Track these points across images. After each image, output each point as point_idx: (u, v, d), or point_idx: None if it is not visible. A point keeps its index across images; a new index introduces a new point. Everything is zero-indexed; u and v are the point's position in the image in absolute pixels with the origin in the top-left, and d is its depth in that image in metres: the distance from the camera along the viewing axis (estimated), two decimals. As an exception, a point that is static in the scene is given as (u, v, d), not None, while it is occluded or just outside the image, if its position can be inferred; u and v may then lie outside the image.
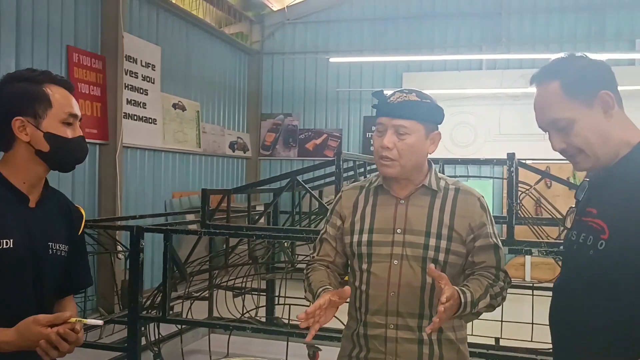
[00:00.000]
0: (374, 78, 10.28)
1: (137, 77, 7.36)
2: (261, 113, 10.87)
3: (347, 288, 1.71)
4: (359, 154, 3.83)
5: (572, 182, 4.88)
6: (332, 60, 9.39)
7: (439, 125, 1.88)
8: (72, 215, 1.85)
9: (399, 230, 1.81)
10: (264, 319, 5.17)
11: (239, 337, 4.35)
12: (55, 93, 1.68)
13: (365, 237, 1.84)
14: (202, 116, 9.12)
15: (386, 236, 1.82)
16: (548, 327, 1.62)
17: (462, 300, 1.63)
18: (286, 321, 4.88)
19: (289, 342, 5.08)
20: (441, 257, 1.79)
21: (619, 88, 1.40)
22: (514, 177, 2.91)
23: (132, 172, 7.35)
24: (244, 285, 4.92)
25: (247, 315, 4.82)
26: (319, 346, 4.93)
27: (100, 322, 1.69)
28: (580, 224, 1.52)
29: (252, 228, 3.31)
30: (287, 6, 10.05)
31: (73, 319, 1.55)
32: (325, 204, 3.71)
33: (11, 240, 1.62)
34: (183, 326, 4.27)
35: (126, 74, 7.02)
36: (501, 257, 1.85)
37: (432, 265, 1.63)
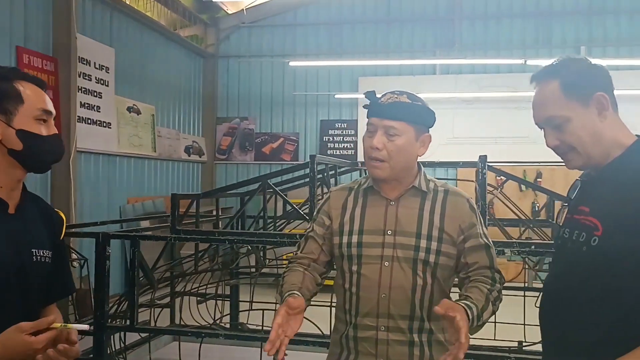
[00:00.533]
0: (330, 82, 10.34)
1: (90, 80, 7.15)
2: (217, 117, 10.75)
3: (298, 300, 1.66)
4: (332, 157, 3.83)
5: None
6: (291, 64, 9.39)
7: (429, 128, 1.89)
8: (53, 219, 1.79)
9: (389, 232, 1.80)
10: (228, 325, 5.12)
11: (201, 345, 4.27)
12: (26, 89, 1.60)
13: (355, 239, 1.83)
14: (157, 120, 8.94)
15: (376, 237, 1.81)
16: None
17: (470, 317, 1.61)
18: (251, 327, 4.85)
19: (253, 348, 5.06)
20: (432, 258, 1.78)
21: None
22: (485, 178, 2.97)
23: (87, 178, 7.13)
24: (207, 292, 4.86)
25: (213, 322, 4.76)
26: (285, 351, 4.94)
27: (86, 327, 1.61)
28: (572, 222, 1.56)
29: (224, 233, 3.25)
30: (245, 8, 9.97)
31: (57, 324, 1.48)
32: (299, 208, 3.70)
33: None
34: (150, 334, 4.14)
35: (79, 77, 6.80)
36: (493, 256, 1.85)
37: (437, 308, 1.56)
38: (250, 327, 4.90)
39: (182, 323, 5.02)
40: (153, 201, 8.60)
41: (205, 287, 4.82)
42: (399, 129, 1.77)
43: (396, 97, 1.78)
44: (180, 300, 5.03)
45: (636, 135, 1.56)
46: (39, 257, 1.65)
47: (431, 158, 10.22)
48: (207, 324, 4.58)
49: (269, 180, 3.45)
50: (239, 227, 4.62)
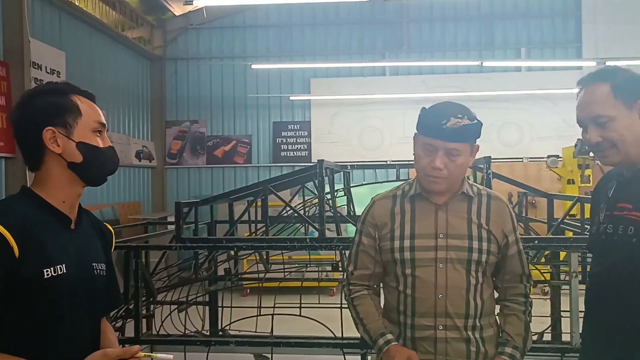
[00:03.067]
0: (281, 84, 10.36)
1: (42, 85, 6.84)
2: (166, 120, 10.53)
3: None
4: (331, 162, 3.87)
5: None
6: (253, 66, 9.33)
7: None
8: (104, 232, 1.79)
9: (441, 235, 1.88)
10: (208, 333, 5.05)
11: (180, 354, 4.20)
12: (82, 102, 1.62)
13: (407, 243, 1.89)
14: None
15: (428, 241, 1.88)
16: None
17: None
18: (232, 333, 4.82)
19: (239, 354, 5.02)
20: (483, 258, 1.88)
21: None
22: (490, 179, 3.11)
23: (41, 187, 6.82)
24: (187, 300, 4.77)
25: (193, 329, 4.69)
26: (267, 355, 4.93)
27: (170, 356, 1.62)
28: (614, 218, 1.72)
29: (232, 240, 3.23)
30: (195, 9, 9.80)
31: (141, 354, 1.50)
32: (298, 210, 3.72)
33: (63, 265, 1.53)
34: (142, 347, 4.02)
35: (31, 81, 6.50)
36: (525, 261, 2.00)
37: None
38: (232, 333, 4.87)
39: (163, 332, 4.92)
40: (112, 208, 8.35)
41: (186, 295, 4.74)
42: (461, 150, 1.83)
43: (459, 121, 1.80)
44: (161, 310, 4.93)
45: None
46: (99, 271, 1.66)
47: (383, 158, 10.46)
48: (190, 331, 4.53)
49: (269, 185, 3.46)
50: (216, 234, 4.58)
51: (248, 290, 8.10)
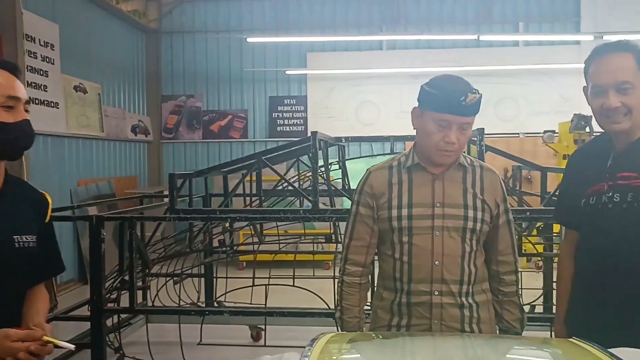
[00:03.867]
0: (278, 58, 10.29)
1: (36, 58, 6.78)
2: (162, 95, 10.47)
3: None
4: (324, 134, 3.86)
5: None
6: (249, 40, 9.24)
7: None
8: (39, 203, 1.80)
9: (437, 204, 1.94)
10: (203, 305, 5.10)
11: (174, 325, 4.24)
12: None
13: (405, 212, 1.95)
14: (103, 99, 8.61)
15: (426, 210, 1.94)
16: None
17: None
18: (228, 304, 4.87)
19: (231, 325, 5.08)
20: (478, 226, 1.95)
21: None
22: (483, 150, 3.13)
23: (36, 161, 6.81)
24: (182, 272, 4.81)
25: (189, 301, 4.74)
26: (261, 326, 4.99)
27: (72, 346, 1.66)
28: (619, 187, 1.82)
29: (226, 211, 3.25)
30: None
31: (46, 338, 1.55)
32: (292, 183, 3.74)
33: None
34: (137, 319, 4.09)
35: (25, 54, 6.44)
36: (513, 232, 2.08)
37: None
38: (228, 304, 4.93)
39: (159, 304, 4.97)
40: (108, 182, 8.36)
41: (181, 268, 4.78)
42: (471, 123, 1.92)
43: (475, 96, 1.86)
44: (156, 282, 4.98)
45: None
46: (21, 244, 1.66)
47: (380, 132, 10.45)
48: (185, 303, 4.58)
49: (263, 158, 3.47)
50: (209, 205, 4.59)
51: (244, 263, 8.17)
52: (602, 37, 7.40)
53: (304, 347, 1.34)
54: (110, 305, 3.65)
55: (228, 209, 3.67)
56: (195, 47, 10.38)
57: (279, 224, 4.66)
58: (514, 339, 1.77)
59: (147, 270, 4.41)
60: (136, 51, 9.96)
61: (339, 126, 9.98)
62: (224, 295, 4.81)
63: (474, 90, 1.86)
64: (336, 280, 2.17)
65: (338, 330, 1.93)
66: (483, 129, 3.26)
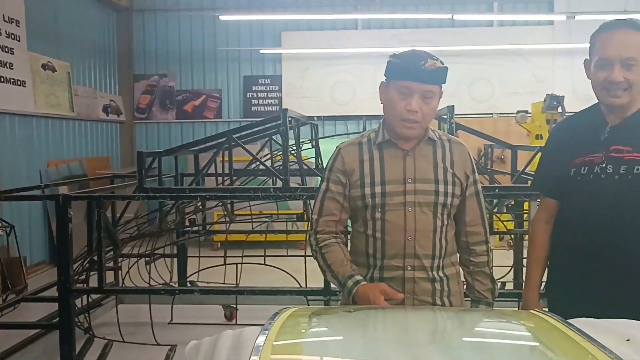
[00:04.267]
0: (252, 37, 10.16)
1: (0, 34, 6.59)
2: (134, 74, 10.28)
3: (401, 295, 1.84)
4: (295, 112, 3.82)
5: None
6: (221, 17, 9.05)
7: None
8: None
9: (409, 180, 1.94)
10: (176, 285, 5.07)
11: (146, 305, 4.22)
12: None
13: (378, 189, 1.95)
14: (73, 78, 8.42)
15: (398, 186, 1.94)
16: None
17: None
18: (201, 284, 4.85)
19: (204, 305, 5.06)
20: (449, 201, 1.97)
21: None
22: (453, 128, 3.13)
23: (3, 141, 6.66)
24: (154, 253, 4.77)
25: (161, 281, 4.70)
26: (234, 306, 4.99)
27: None
28: (613, 159, 1.93)
29: (195, 189, 3.21)
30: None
31: None
32: (262, 161, 3.70)
33: None
34: (108, 300, 4.04)
35: (-11, 31, 6.26)
36: (483, 202, 2.10)
37: None
38: (201, 284, 4.91)
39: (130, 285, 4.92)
40: (80, 163, 8.22)
41: (152, 248, 4.73)
42: (434, 92, 1.91)
43: (435, 62, 1.87)
44: (128, 262, 4.93)
45: None
46: None
47: (355, 112, 10.44)
48: (157, 284, 4.54)
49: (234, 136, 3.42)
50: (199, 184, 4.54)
51: (219, 244, 8.13)
52: (574, 17, 7.46)
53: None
54: (79, 286, 3.60)
55: (198, 187, 3.63)
56: (167, 26, 10.18)
57: (252, 203, 4.63)
58: (476, 312, 1.78)
59: (117, 251, 4.36)
60: (107, 29, 9.75)
61: (314, 106, 9.94)
62: (196, 275, 4.80)
63: (435, 58, 1.88)
64: (309, 258, 2.15)
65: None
66: (453, 106, 3.26)
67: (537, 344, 1.25)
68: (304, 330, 1.35)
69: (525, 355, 1.19)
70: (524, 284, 2.20)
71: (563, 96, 7.16)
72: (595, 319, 1.41)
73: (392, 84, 1.91)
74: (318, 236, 2.02)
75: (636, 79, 1.89)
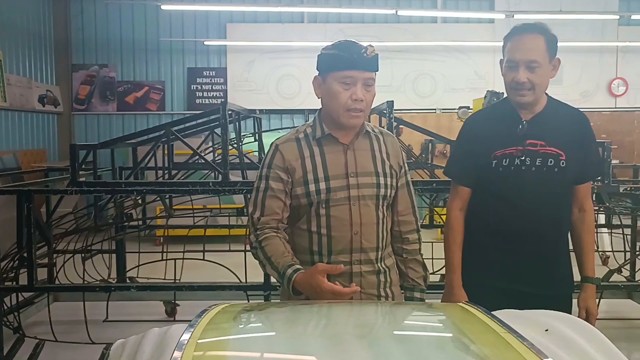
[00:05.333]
0: (196, 28, 9.98)
1: None
2: (72, 64, 9.91)
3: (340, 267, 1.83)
4: (236, 105, 3.77)
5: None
6: (163, 7, 8.82)
7: None
8: None
9: (352, 174, 1.94)
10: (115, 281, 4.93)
11: (77, 303, 4.09)
12: None
13: (322, 185, 1.93)
14: (5, 66, 8.05)
15: (341, 181, 1.93)
16: None
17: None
18: (141, 280, 4.73)
19: (144, 301, 4.95)
20: (388, 192, 1.99)
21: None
22: (392, 123, 3.16)
23: None
24: (92, 249, 4.62)
25: (99, 277, 4.56)
26: (177, 302, 4.90)
27: None
28: (528, 152, 2.11)
29: (132, 183, 3.12)
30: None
31: None
32: (202, 154, 3.64)
33: None
34: (41, 298, 3.88)
35: None
36: (412, 189, 2.13)
37: None
38: (140, 280, 4.79)
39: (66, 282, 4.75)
40: (14, 155, 7.87)
41: (89, 243, 4.58)
42: (374, 79, 1.91)
43: (374, 50, 1.88)
44: (63, 259, 4.76)
45: None
46: None
47: (301, 106, 10.42)
48: (94, 280, 4.40)
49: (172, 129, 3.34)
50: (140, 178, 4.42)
51: (161, 239, 7.98)
52: (513, 16, 7.67)
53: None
54: (8, 284, 3.45)
55: (134, 181, 3.53)
56: (108, 14, 9.87)
57: (194, 198, 4.56)
58: (404, 305, 1.80)
59: (51, 247, 4.20)
60: (42, 16, 9.35)
61: (260, 99, 9.87)
62: (136, 272, 4.67)
63: (372, 45, 1.89)
64: (249, 252, 2.08)
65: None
66: (392, 101, 3.29)
67: (458, 335, 1.28)
68: (230, 327, 1.33)
69: (447, 347, 1.21)
70: (445, 268, 2.30)
71: (502, 92, 7.34)
72: (518, 310, 1.45)
73: (332, 75, 1.89)
74: (258, 232, 1.97)
75: (538, 80, 2.07)
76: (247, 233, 2.05)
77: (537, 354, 1.09)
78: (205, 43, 9.90)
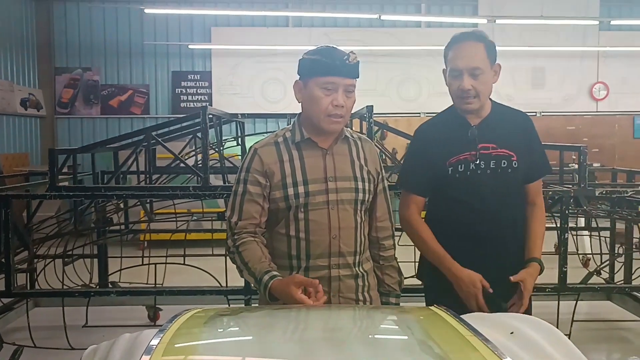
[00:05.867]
0: (181, 32, 9.96)
1: None
2: (55, 67, 9.85)
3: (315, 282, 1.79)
4: (217, 109, 3.77)
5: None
6: (147, 11, 8.78)
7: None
8: None
9: (330, 178, 1.96)
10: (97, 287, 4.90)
11: (59, 309, 4.06)
12: None
13: (301, 189, 1.93)
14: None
15: (320, 185, 1.95)
16: None
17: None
18: (123, 285, 4.71)
19: (127, 306, 4.92)
20: (366, 197, 2.01)
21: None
22: (372, 127, 3.18)
23: None
24: (73, 254, 4.59)
25: (80, 282, 4.53)
26: (159, 307, 4.89)
27: None
28: (481, 155, 2.15)
29: (112, 188, 3.10)
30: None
31: None
32: (180, 158, 3.64)
33: None
34: (21, 304, 3.85)
35: None
36: (388, 197, 2.15)
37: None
38: (122, 285, 4.77)
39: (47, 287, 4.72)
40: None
41: (71, 248, 4.55)
42: (354, 85, 1.94)
43: (356, 57, 1.91)
44: (43, 264, 4.72)
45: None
46: None
47: (285, 110, 10.45)
48: (75, 285, 4.37)
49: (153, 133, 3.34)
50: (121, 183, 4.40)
51: (145, 243, 7.94)
52: (495, 21, 7.75)
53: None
54: (-15, 289, 3.41)
55: (113, 186, 3.51)
56: (91, 17, 9.82)
57: (177, 202, 4.54)
58: (374, 309, 1.82)
59: (31, 252, 4.17)
60: (24, 19, 9.29)
61: (245, 103, 9.87)
62: (119, 276, 4.65)
63: (355, 51, 1.92)
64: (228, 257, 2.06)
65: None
66: (372, 106, 3.31)
67: (424, 338, 1.30)
68: (200, 332, 1.34)
69: (412, 349, 1.23)
70: (437, 264, 2.20)
71: (485, 97, 7.43)
72: (487, 314, 1.48)
73: (314, 81, 1.90)
74: (235, 237, 1.97)
75: (482, 87, 2.11)
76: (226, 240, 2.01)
77: (499, 355, 1.11)
78: (190, 46, 9.88)
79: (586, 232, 5.56)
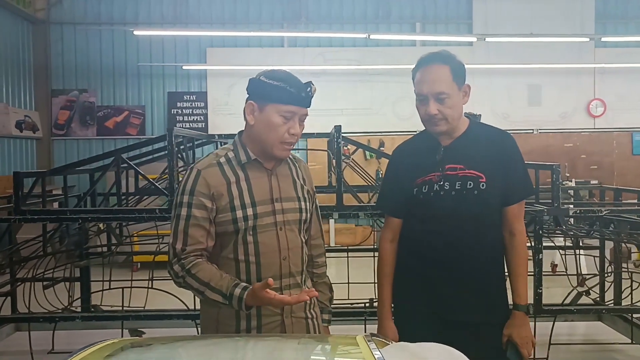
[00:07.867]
0: (176, 53, 10.03)
1: None
2: (52, 89, 9.93)
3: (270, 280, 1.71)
4: (190, 130, 3.75)
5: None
6: (136, 32, 8.84)
7: None
8: None
9: (277, 200, 1.93)
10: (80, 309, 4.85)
11: (45, 333, 4.00)
12: None
13: (250, 211, 1.88)
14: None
15: (267, 207, 1.91)
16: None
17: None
18: (105, 308, 4.66)
19: (111, 330, 4.87)
20: (308, 216, 2.02)
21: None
22: (340, 147, 3.14)
23: None
24: (54, 276, 4.54)
25: (64, 307, 4.48)
26: (143, 330, 4.82)
27: None
28: (447, 177, 2.10)
29: (77, 211, 3.07)
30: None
31: None
32: (150, 180, 3.60)
33: None
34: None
35: None
36: (320, 215, 2.16)
37: None
38: (105, 308, 4.71)
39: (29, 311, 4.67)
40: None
41: (52, 271, 4.51)
42: (306, 115, 1.93)
43: (315, 87, 1.91)
44: (23, 288, 4.68)
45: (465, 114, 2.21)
46: None
47: (281, 130, 10.32)
48: (58, 309, 4.32)
49: (122, 155, 3.31)
50: (87, 206, 4.37)
51: (139, 265, 7.89)
52: (484, 39, 7.72)
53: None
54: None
55: (79, 209, 3.47)
56: (87, 40, 9.92)
57: (158, 224, 4.50)
58: (298, 338, 1.75)
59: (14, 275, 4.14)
60: (21, 42, 9.39)
61: (240, 123, 9.79)
62: (100, 300, 4.59)
63: (312, 83, 1.92)
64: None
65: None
66: (340, 126, 3.30)
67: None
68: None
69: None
70: (380, 300, 2.25)
71: (480, 115, 7.33)
72: (411, 344, 1.41)
73: (274, 107, 1.86)
74: (183, 261, 1.86)
75: (449, 111, 2.06)
76: (169, 269, 1.90)
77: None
78: (185, 67, 9.93)
79: (581, 252, 5.46)
